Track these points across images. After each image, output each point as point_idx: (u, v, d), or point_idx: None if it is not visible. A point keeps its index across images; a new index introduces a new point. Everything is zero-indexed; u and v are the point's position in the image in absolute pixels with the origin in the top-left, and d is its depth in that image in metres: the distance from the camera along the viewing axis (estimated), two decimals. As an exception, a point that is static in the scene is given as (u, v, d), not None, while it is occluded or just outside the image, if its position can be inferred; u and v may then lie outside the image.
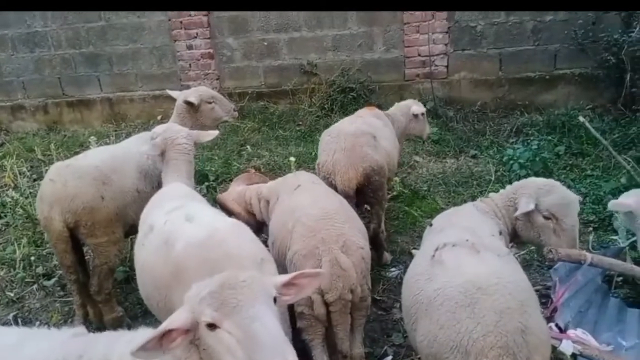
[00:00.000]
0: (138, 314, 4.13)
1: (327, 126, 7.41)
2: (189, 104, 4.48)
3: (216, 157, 6.72)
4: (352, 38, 7.74)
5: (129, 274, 4.57)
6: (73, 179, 3.62)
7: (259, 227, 3.90)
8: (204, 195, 5.65)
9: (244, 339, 1.69)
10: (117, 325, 3.87)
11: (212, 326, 1.75)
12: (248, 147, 7.09)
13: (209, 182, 6.04)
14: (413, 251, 4.51)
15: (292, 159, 4.89)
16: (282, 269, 3.01)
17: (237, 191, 3.96)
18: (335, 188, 3.89)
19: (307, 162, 6.32)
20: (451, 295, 2.30)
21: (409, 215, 5.11)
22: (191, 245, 2.56)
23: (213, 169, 6.35)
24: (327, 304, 2.82)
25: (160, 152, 3.69)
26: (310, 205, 3.11)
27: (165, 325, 1.75)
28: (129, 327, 3.86)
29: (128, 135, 7.80)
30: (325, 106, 7.65)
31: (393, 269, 4.36)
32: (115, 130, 8.26)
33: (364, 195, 3.98)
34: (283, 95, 8.14)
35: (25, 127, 8.91)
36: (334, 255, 2.79)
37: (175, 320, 1.77)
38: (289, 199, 3.33)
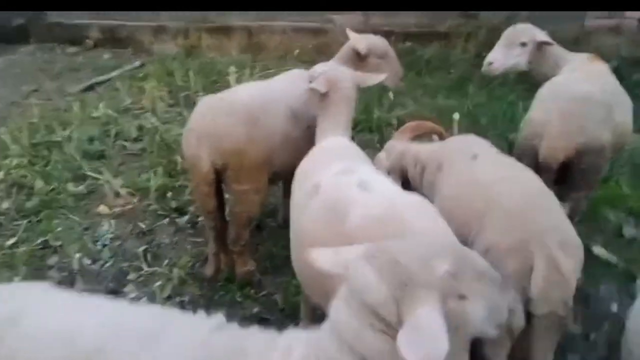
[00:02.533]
0: (268, 269, 3.77)
1: (482, 77, 6.57)
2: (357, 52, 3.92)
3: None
4: (527, -23, 6.61)
5: (260, 221, 4.24)
6: (224, 116, 3.24)
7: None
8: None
9: None
10: (247, 279, 3.57)
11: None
12: (390, 94, 6.41)
13: (348, 129, 5.50)
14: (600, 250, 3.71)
15: (457, 116, 4.16)
16: None
17: (393, 146, 3.43)
18: (535, 154, 3.23)
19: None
20: None
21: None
22: (368, 219, 2.08)
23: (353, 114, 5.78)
24: (529, 316, 2.21)
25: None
26: (509, 182, 2.46)
27: None
28: (259, 283, 3.61)
29: (264, 67, 7.45)
30: (483, 54, 6.61)
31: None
32: (253, 62, 7.93)
33: (568, 174, 3.25)
34: (434, 38, 7.28)
35: (165, 49, 8.85)
36: (551, 255, 2.13)
37: None
38: (468, 169, 2.68)
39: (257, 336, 1.64)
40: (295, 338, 1.60)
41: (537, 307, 2.14)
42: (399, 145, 3.39)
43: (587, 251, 3.63)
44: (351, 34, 4.20)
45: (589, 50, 6.26)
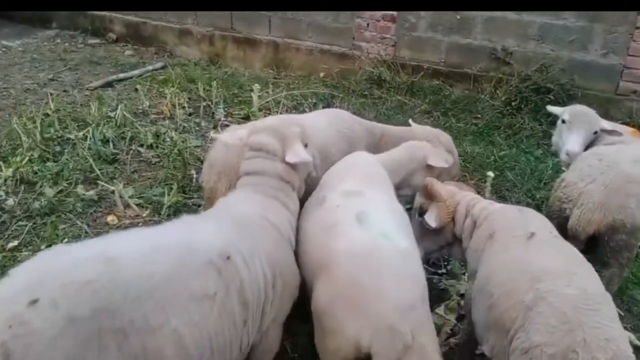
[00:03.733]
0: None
1: (509, 126, 6.42)
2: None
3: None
4: (565, 31, 6.52)
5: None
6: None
7: (447, 243, 3.23)
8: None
9: None
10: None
11: None
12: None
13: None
14: (629, 335, 3.56)
15: (491, 174, 3.98)
16: (499, 338, 2.35)
17: (447, 188, 3.25)
18: (564, 218, 3.20)
19: (483, 167, 5.41)
20: None
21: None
22: (349, 255, 2.36)
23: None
24: None
25: None
26: (564, 277, 2.27)
27: None
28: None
29: (287, 86, 7.33)
30: (512, 103, 6.56)
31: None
32: (275, 78, 7.81)
33: (599, 248, 3.17)
34: (463, 79, 7.16)
35: (189, 53, 8.73)
36: None
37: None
38: (522, 250, 2.51)
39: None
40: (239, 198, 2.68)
41: None
42: (448, 187, 3.27)
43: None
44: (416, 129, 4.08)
45: (618, 112, 6.24)
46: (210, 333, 2.07)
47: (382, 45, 7.56)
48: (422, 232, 3.19)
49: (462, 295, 3.60)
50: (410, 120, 4.28)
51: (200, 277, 2.07)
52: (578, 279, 2.27)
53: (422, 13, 7.22)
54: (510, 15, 6.74)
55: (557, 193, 3.34)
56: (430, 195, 3.17)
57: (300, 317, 2.86)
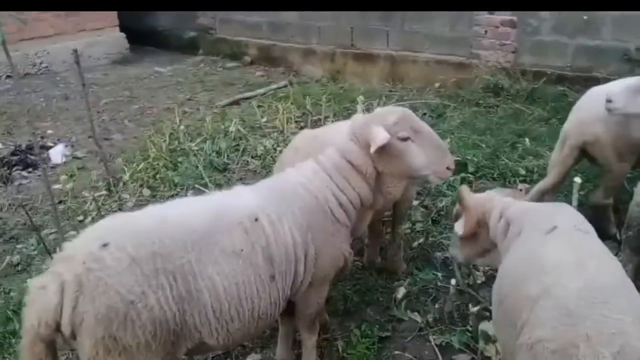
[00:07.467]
0: (337, 311, 3.63)
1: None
2: None
3: (483, 145, 5.72)
4: None
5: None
6: (314, 153, 3.19)
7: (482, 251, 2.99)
8: (451, 188, 4.87)
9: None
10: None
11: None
12: (527, 140, 5.85)
13: (466, 174, 5.13)
14: None
15: (578, 180, 3.55)
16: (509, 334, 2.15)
17: (482, 196, 3.01)
18: None
19: (592, 181, 4.85)
20: None
21: None
22: None
23: (476, 159, 5.39)
24: None
25: None
26: (572, 269, 2.05)
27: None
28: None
29: (399, 98, 7.34)
30: (647, 108, 5.84)
31: None
32: (390, 91, 7.87)
33: None
34: (591, 83, 6.50)
35: (313, 72, 9.17)
36: None
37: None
38: (538, 242, 2.30)
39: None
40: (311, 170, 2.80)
41: None
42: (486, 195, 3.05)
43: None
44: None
45: None
46: (238, 282, 2.35)
47: (502, 52, 7.23)
48: (461, 240, 3.03)
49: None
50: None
51: (229, 235, 2.37)
52: (587, 271, 2.02)
53: (545, 15, 6.78)
54: (645, 10, 6.04)
55: (638, 198, 2.94)
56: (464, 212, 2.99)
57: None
